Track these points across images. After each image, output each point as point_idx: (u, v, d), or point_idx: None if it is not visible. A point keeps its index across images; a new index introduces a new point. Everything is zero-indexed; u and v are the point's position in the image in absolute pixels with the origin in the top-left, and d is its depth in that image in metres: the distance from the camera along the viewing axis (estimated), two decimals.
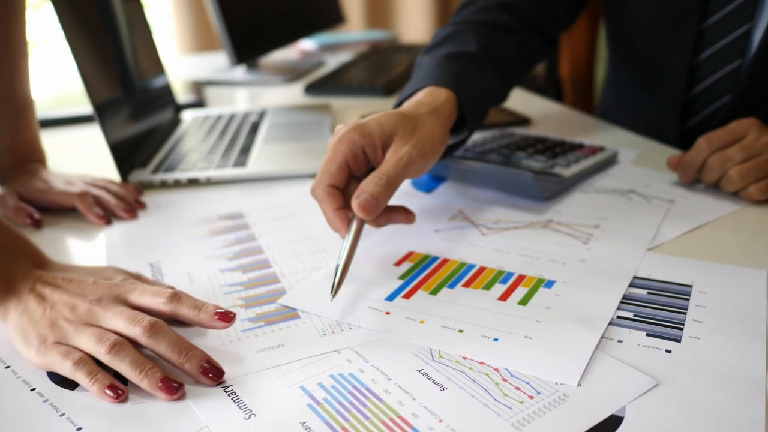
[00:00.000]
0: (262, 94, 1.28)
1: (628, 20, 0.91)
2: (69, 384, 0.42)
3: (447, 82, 0.66)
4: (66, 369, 0.41)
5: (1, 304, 0.45)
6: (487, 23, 0.79)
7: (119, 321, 0.43)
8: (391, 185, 0.54)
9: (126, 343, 0.42)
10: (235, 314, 0.45)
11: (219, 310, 0.45)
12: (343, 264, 0.51)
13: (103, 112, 0.74)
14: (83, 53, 0.73)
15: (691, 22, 0.80)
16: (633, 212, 0.65)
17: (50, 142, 0.79)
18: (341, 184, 0.56)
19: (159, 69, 1.00)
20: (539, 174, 0.66)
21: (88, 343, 0.42)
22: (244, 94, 1.29)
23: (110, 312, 0.43)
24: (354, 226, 0.54)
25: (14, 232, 0.49)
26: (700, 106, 0.84)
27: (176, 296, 0.45)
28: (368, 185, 0.53)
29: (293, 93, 1.26)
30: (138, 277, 0.48)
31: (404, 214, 0.58)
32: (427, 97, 0.64)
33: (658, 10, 0.84)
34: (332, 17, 1.74)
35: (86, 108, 1.08)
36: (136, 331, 0.42)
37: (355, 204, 0.53)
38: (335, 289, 0.49)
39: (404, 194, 0.71)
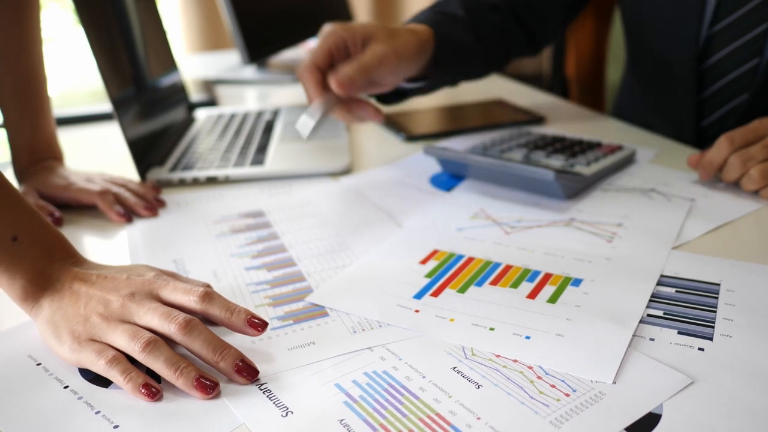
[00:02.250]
0: (273, 93, 1.27)
1: (642, 19, 0.91)
2: (102, 381, 0.42)
3: (427, 22, 0.76)
4: (99, 367, 0.41)
5: (36, 302, 0.45)
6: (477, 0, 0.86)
7: (153, 317, 0.43)
8: (364, 70, 0.65)
9: (160, 341, 0.42)
10: (267, 324, 0.45)
11: (250, 316, 0.45)
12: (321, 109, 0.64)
13: (121, 110, 0.74)
14: (101, 50, 0.73)
15: (706, 21, 0.80)
16: (655, 211, 0.64)
17: (61, 140, 0.79)
18: (324, 66, 0.67)
19: (172, 67, 1.00)
20: (561, 173, 0.66)
21: (122, 340, 0.42)
22: (255, 93, 1.29)
23: (144, 308, 0.43)
24: (328, 96, 0.66)
25: (54, 230, 0.48)
26: (717, 103, 0.84)
27: (208, 295, 0.45)
28: (344, 67, 0.65)
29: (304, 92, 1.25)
30: (172, 275, 0.48)
31: (373, 111, 0.68)
32: (407, 27, 0.74)
33: (671, 9, 0.84)
34: (340, 16, 1.73)
35: (91, 107, 1.08)
36: (170, 329, 0.42)
37: (331, 79, 0.64)
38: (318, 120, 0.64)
39: (424, 193, 0.71)
